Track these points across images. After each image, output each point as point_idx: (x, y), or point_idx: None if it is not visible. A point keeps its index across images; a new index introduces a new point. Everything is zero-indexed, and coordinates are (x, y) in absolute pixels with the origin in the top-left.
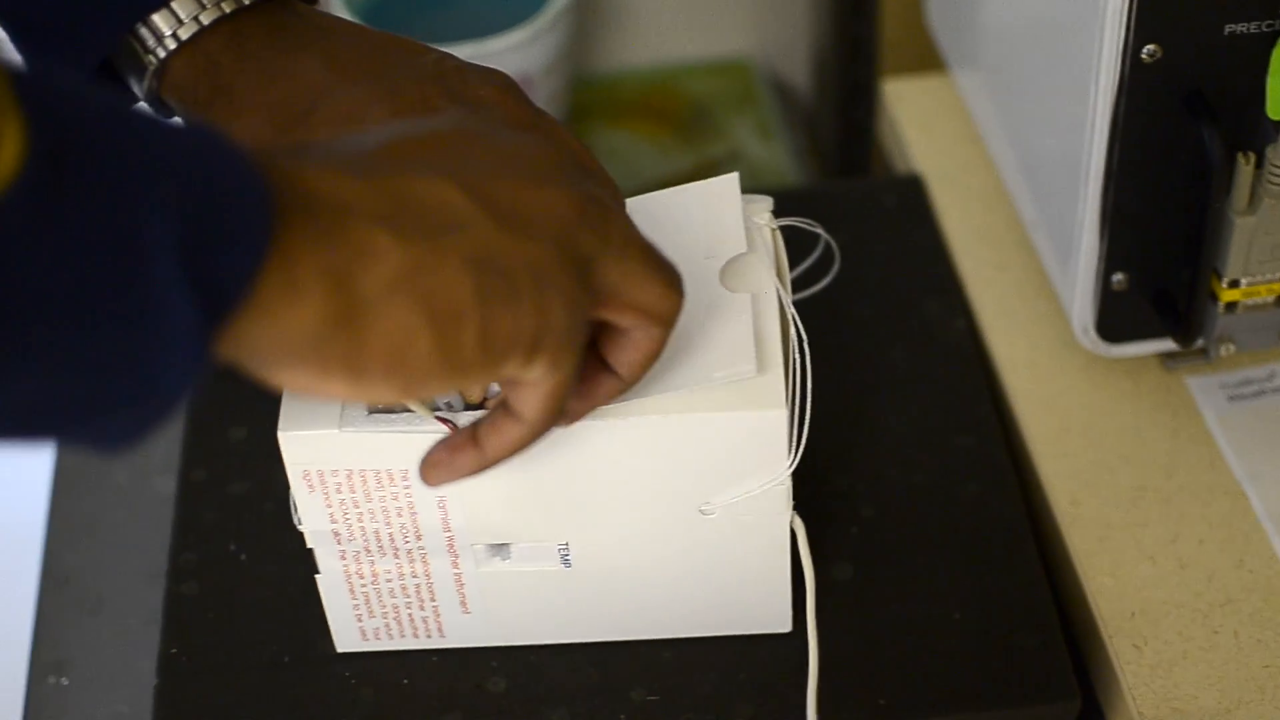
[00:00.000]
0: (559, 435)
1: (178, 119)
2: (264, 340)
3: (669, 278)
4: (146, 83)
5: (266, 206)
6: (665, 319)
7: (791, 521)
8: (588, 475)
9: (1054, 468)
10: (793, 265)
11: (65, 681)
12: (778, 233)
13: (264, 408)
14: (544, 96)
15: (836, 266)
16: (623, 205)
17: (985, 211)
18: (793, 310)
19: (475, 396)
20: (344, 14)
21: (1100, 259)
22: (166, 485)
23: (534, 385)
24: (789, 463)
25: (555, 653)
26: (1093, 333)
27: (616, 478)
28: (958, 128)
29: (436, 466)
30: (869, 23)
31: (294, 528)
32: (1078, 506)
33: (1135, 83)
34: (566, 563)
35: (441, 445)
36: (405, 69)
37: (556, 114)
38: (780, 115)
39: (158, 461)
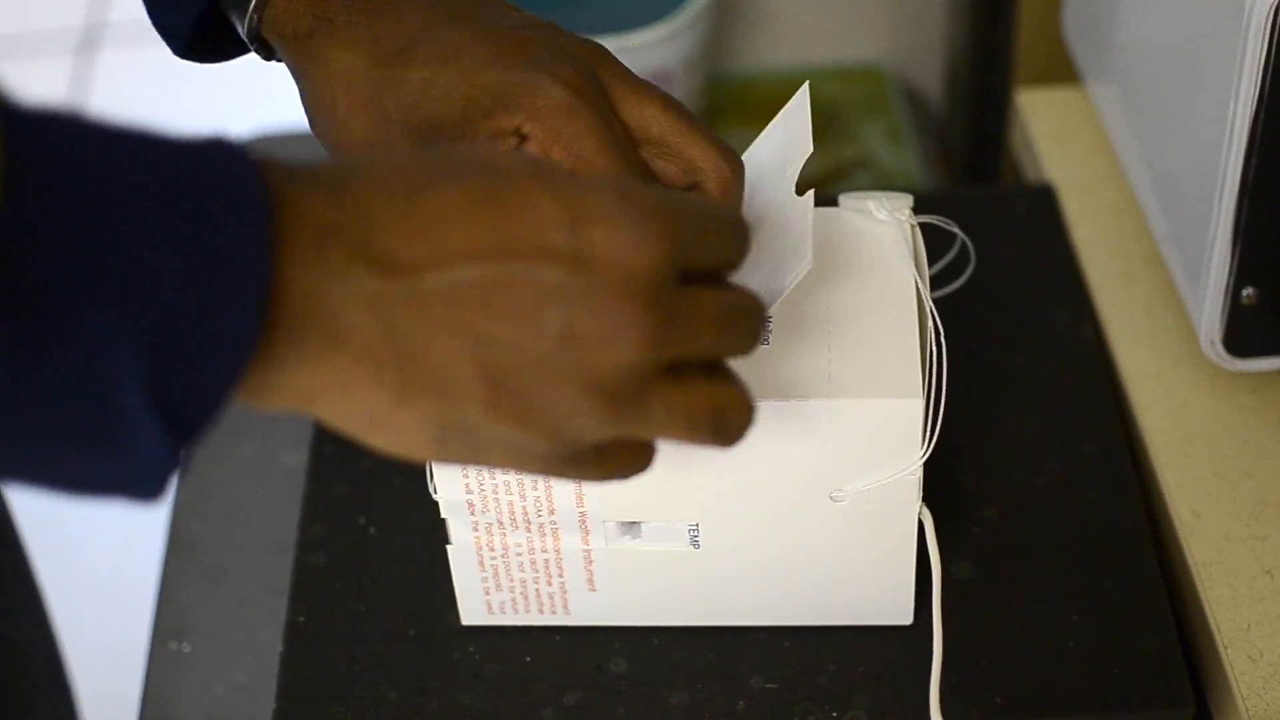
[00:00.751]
0: None
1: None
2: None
3: (717, 432)
4: (249, 16)
5: (252, 341)
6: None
7: (920, 513)
8: (723, 457)
9: (1176, 478)
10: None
11: (186, 648)
12: (917, 229)
13: None
14: (682, 92)
15: (972, 266)
16: (727, 334)
17: (1116, 223)
18: (930, 303)
19: None
20: None
21: (1231, 273)
22: (293, 459)
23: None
24: (922, 452)
25: (676, 636)
26: (1219, 346)
27: (751, 460)
28: (1091, 139)
29: None
30: (1005, 32)
31: (423, 502)
32: (1198, 517)
33: (1275, 97)
34: (695, 544)
35: None
36: (504, 15)
37: (694, 110)
38: (911, 121)
39: (286, 436)
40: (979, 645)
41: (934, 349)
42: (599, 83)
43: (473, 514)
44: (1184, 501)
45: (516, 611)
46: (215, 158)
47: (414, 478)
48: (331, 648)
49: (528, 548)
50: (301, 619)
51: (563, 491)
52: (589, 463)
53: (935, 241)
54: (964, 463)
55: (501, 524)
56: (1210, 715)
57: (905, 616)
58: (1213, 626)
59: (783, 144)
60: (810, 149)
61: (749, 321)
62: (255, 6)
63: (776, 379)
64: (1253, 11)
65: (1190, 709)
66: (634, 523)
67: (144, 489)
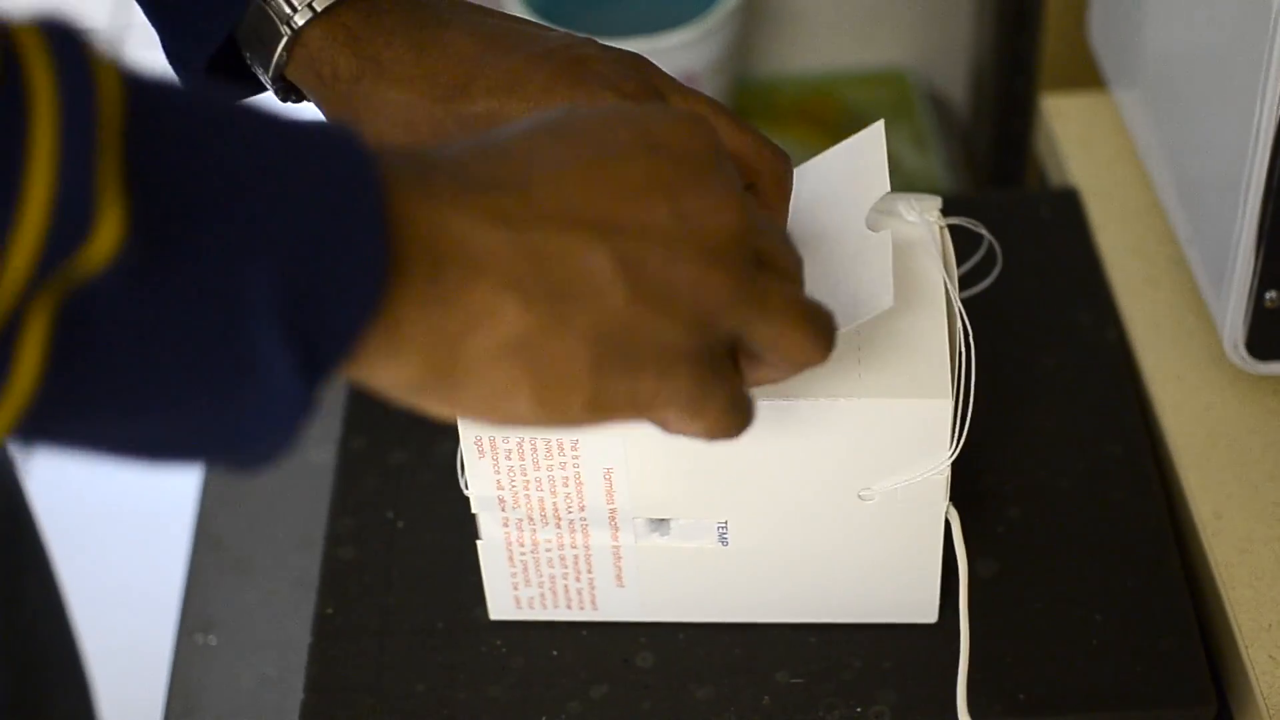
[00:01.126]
0: None
1: (303, 107)
2: (362, 378)
3: (820, 336)
4: (276, 56)
5: (380, 274)
6: (806, 366)
7: (946, 512)
8: (753, 455)
9: (1198, 480)
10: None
11: (213, 641)
12: (945, 230)
13: None
14: (709, 94)
15: (998, 268)
16: (780, 228)
17: (1140, 227)
18: (959, 304)
19: None
20: (520, 10)
21: (1254, 276)
22: (320, 456)
23: (676, 426)
24: (950, 451)
25: (702, 631)
26: (1243, 349)
27: (781, 458)
28: (1116, 144)
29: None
30: (1031, 38)
31: (450, 497)
32: (1220, 519)
33: None
34: (724, 541)
35: None
36: (548, 37)
37: None
38: (936, 126)
39: (313, 433)
40: (1003, 643)
41: (963, 350)
42: (656, 92)
43: (503, 510)
44: (1206, 503)
45: (545, 607)
46: (311, 125)
47: (442, 473)
48: (360, 640)
49: (557, 544)
50: (330, 611)
51: (593, 488)
52: (722, 383)
53: (962, 243)
54: (989, 462)
55: (532, 520)
56: (1231, 714)
57: (930, 615)
58: (1234, 626)
59: (850, 174)
60: (887, 188)
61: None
62: (285, 46)
63: (806, 378)
64: (1279, 16)
65: (1212, 707)
66: (663, 520)
67: (271, 435)
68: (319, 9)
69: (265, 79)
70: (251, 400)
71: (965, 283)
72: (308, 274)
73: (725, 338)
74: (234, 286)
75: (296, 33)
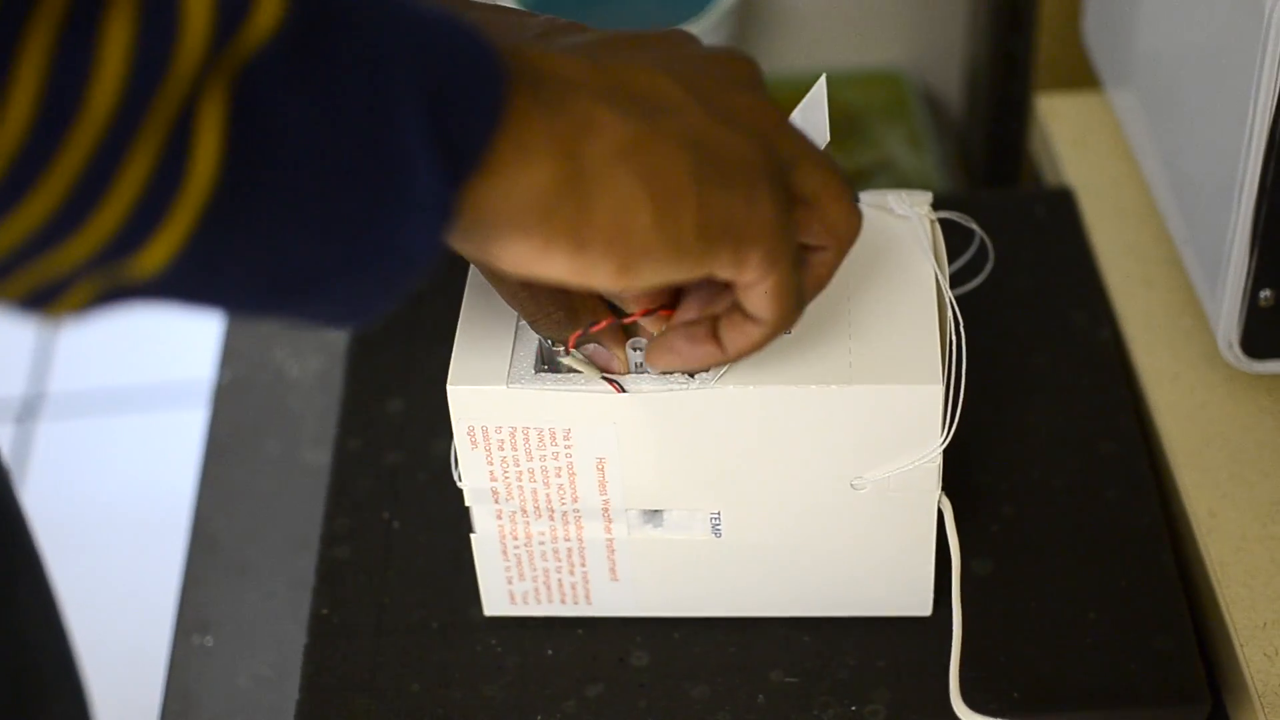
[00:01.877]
0: (717, 401)
1: None
2: (497, 206)
3: (853, 197)
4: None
5: (500, 76)
6: (846, 240)
7: (940, 502)
8: (744, 444)
9: (1193, 478)
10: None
11: (209, 642)
12: (936, 224)
13: (420, 380)
14: None
15: (990, 264)
16: None
17: (1135, 227)
18: (949, 295)
19: (638, 306)
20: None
21: (1249, 275)
22: (315, 458)
23: (757, 285)
24: (942, 439)
25: (697, 630)
26: (1237, 348)
27: (772, 447)
28: (1110, 144)
29: (670, 352)
30: (1026, 38)
31: (445, 497)
32: (1215, 517)
33: None
34: (717, 533)
35: (680, 334)
36: (530, 24)
37: None
38: (931, 126)
39: (308, 435)
40: (997, 641)
41: (953, 339)
42: None
43: (496, 502)
44: (1201, 501)
45: (539, 602)
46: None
47: (436, 472)
48: (355, 640)
49: (550, 537)
50: (325, 611)
51: (586, 479)
52: (791, 230)
53: (954, 240)
54: (983, 461)
55: (525, 513)
56: (1226, 712)
57: (925, 608)
58: (1229, 624)
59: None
60: (827, 138)
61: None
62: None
63: (797, 367)
64: (1273, 15)
65: (1206, 705)
66: (656, 511)
67: (414, 246)
68: None
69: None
70: (399, 204)
71: (959, 279)
72: (444, 80)
73: (784, 171)
74: (385, 86)
75: None
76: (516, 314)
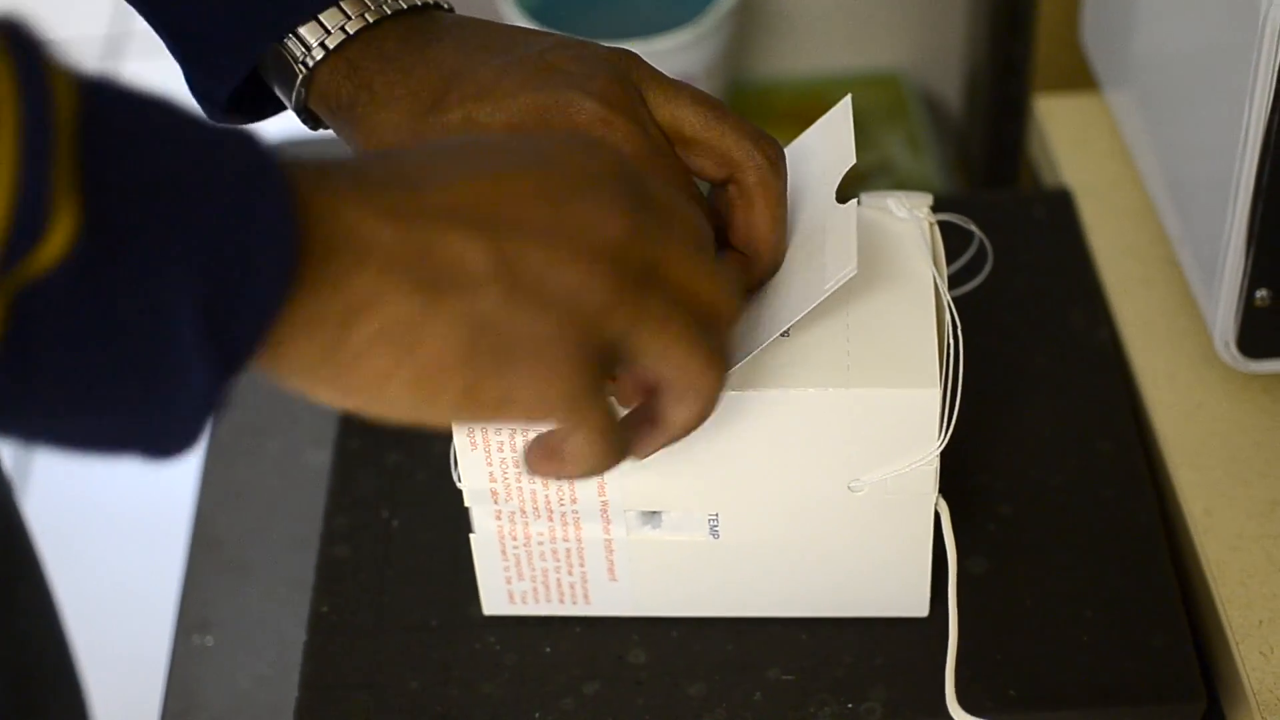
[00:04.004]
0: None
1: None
2: (266, 366)
3: (708, 356)
4: (295, 93)
5: (287, 264)
6: (700, 395)
7: (936, 504)
8: (743, 446)
9: (1189, 477)
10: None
11: (209, 641)
12: (935, 226)
13: None
14: None
15: (989, 265)
16: (695, 247)
17: (1132, 227)
18: (948, 297)
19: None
20: (514, 14)
21: (1245, 274)
22: (316, 458)
23: (566, 433)
24: (939, 442)
25: (695, 628)
26: (1234, 348)
27: (770, 450)
28: (1108, 145)
29: (535, 463)
30: (1024, 41)
31: (444, 496)
32: (1211, 516)
33: None
34: (715, 534)
35: (535, 444)
36: (534, 41)
37: None
38: (930, 128)
39: (309, 435)
40: (994, 639)
41: (951, 342)
42: (633, 88)
43: (496, 503)
44: (1197, 500)
45: (538, 601)
46: (221, 127)
47: (436, 472)
48: (355, 638)
49: (549, 537)
50: (325, 609)
51: (584, 481)
52: (598, 404)
53: (953, 241)
54: (980, 460)
55: (524, 513)
56: (1221, 710)
57: (921, 608)
58: (1225, 623)
59: (822, 152)
60: (853, 160)
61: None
62: (301, 82)
63: (795, 370)
64: (1268, 15)
65: (1202, 703)
66: (655, 512)
67: (182, 429)
68: (331, 47)
69: (292, 110)
70: (173, 397)
71: (957, 280)
72: (227, 278)
73: (605, 348)
74: (164, 295)
75: (310, 72)
76: None
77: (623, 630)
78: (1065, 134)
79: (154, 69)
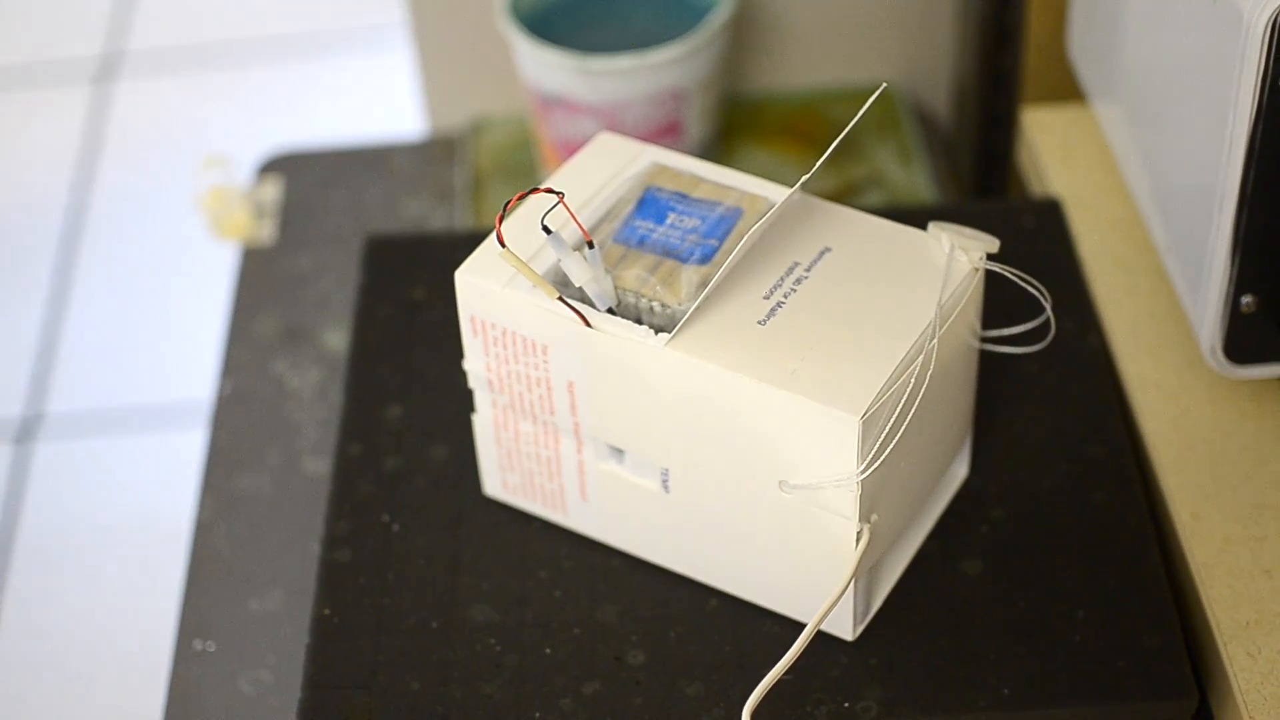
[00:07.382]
0: (669, 361)
1: None
2: None
3: None
4: None
5: None
6: None
7: (860, 531)
8: (689, 411)
9: (1177, 481)
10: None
11: (211, 647)
12: (980, 274)
13: (418, 388)
14: (698, 110)
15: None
16: None
17: (1120, 236)
18: (934, 341)
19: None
20: (510, 29)
21: (1230, 281)
22: (315, 466)
23: None
24: (859, 470)
25: (693, 628)
26: (1220, 354)
27: (713, 423)
28: (1096, 155)
29: None
30: (1013, 54)
31: (444, 502)
32: (1198, 520)
33: (1272, 109)
34: (666, 488)
35: None
36: None
37: (708, 129)
38: (921, 140)
39: (309, 444)
40: (987, 639)
41: (912, 384)
42: None
43: (491, 392)
44: (1185, 504)
45: (526, 497)
46: None
47: (434, 477)
48: (356, 640)
49: (533, 441)
50: (327, 612)
51: (559, 396)
52: None
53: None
54: (974, 464)
55: (514, 408)
56: (1210, 708)
57: (846, 630)
58: (1213, 624)
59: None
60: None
61: None
62: None
63: (748, 357)
64: (1251, 24)
65: (1193, 701)
66: (619, 450)
67: None
68: None
69: None
70: None
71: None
72: None
73: None
74: None
75: None
76: (548, 233)
77: (621, 631)
78: (1054, 145)
79: (149, 89)
